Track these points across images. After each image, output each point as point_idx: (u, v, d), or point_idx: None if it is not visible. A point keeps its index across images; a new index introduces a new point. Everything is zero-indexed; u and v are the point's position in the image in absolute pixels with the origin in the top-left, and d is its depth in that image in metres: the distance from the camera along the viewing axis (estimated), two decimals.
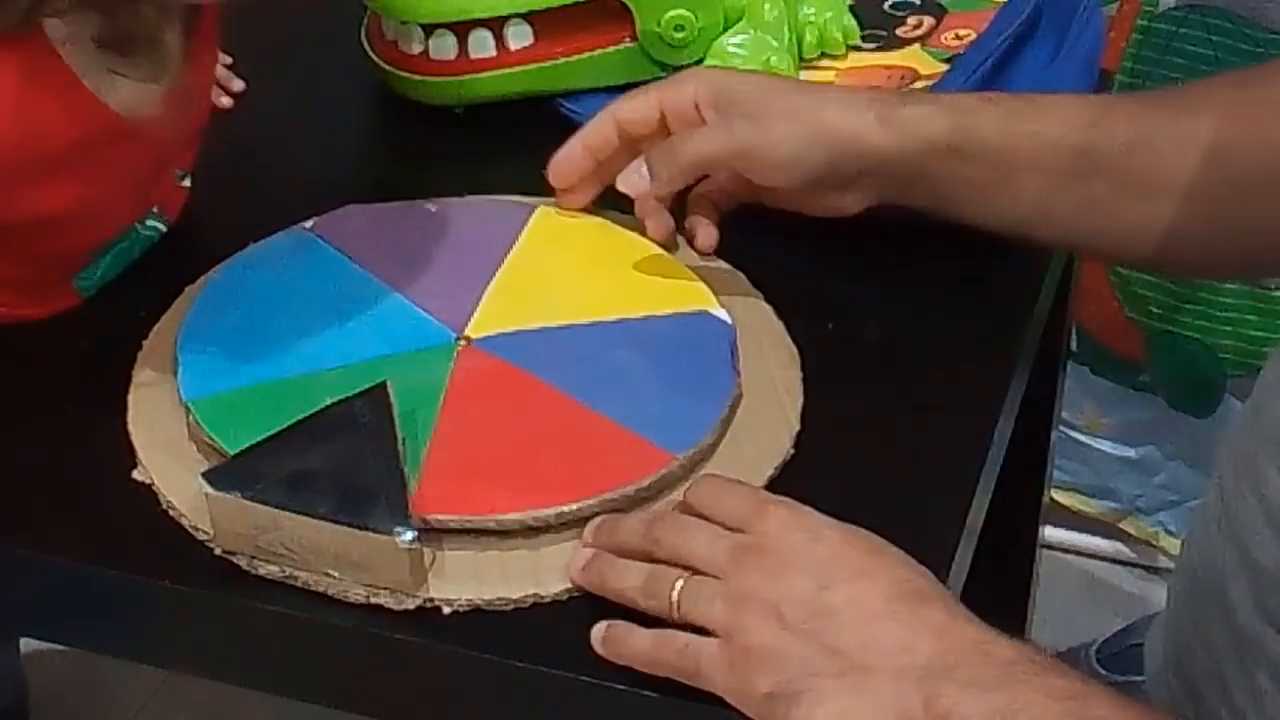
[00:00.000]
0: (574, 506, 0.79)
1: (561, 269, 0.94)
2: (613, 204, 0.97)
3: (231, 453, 0.80)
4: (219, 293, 0.92)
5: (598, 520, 0.78)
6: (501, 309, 0.90)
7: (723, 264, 0.95)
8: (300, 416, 0.80)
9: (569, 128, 1.06)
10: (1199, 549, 0.90)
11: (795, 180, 0.92)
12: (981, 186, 0.91)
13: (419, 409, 0.83)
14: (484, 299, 0.91)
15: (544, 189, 0.98)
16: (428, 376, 0.86)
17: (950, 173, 0.90)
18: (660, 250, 0.94)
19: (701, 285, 0.91)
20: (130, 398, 0.86)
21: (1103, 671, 1.10)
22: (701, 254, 0.95)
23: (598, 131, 0.95)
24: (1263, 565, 0.82)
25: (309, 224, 0.96)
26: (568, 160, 0.96)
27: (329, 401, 0.81)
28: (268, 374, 0.86)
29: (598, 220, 0.97)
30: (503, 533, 0.78)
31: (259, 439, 0.79)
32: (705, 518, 0.77)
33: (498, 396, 0.85)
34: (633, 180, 0.93)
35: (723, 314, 0.89)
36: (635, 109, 0.94)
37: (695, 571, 0.74)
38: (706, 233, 0.96)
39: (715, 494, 0.78)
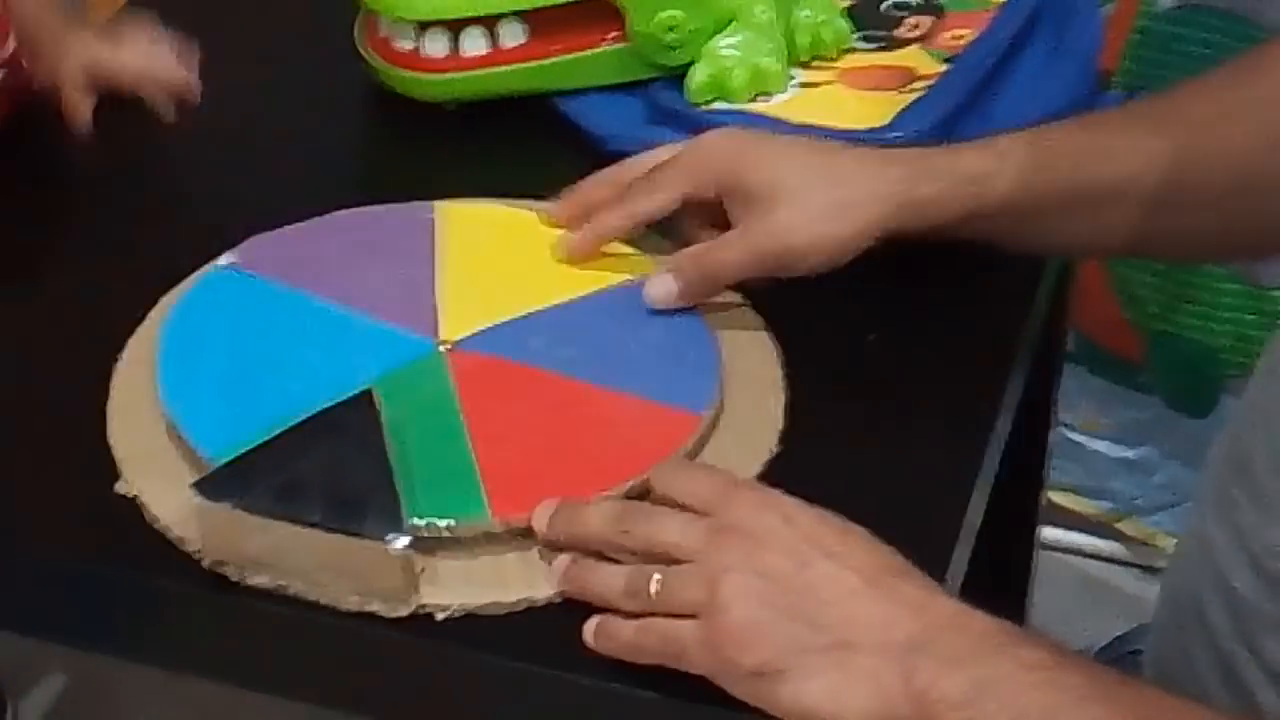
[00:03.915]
0: (641, 479, 0.79)
1: (498, 259, 0.93)
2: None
3: (216, 462, 0.79)
4: (180, 346, 0.87)
5: (549, 506, 0.78)
6: (463, 308, 0.89)
7: None
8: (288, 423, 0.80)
9: (562, 127, 1.06)
10: (1181, 571, 0.90)
11: (835, 264, 0.89)
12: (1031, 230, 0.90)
13: (438, 421, 0.82)
14: (440, 301, 0.89)
15: (535, 187, 0.98)
16: (432, 388, 0.84)
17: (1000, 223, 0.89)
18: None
19: (640, 253, 0.92)
20: (109, 409, 0.85)
21: None
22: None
23: (614, 225, 0.92)
24: (1239, 591, 0.82)
25: (225, 260, 0.92)
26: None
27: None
28: (268, 421, 0.82)
29: (503, 209, 0.96)
30: (495, 537, 0.78)
31: (245, 448, 0.78)
32: (673, 503, 0.76)
33: (510, 393, 0.85)
34: (660, 292, 0.89)
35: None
36: (657, 206, 0.91)
37: (670, 560, 0.74)
38: None
39: (682, 477, 0.78)
